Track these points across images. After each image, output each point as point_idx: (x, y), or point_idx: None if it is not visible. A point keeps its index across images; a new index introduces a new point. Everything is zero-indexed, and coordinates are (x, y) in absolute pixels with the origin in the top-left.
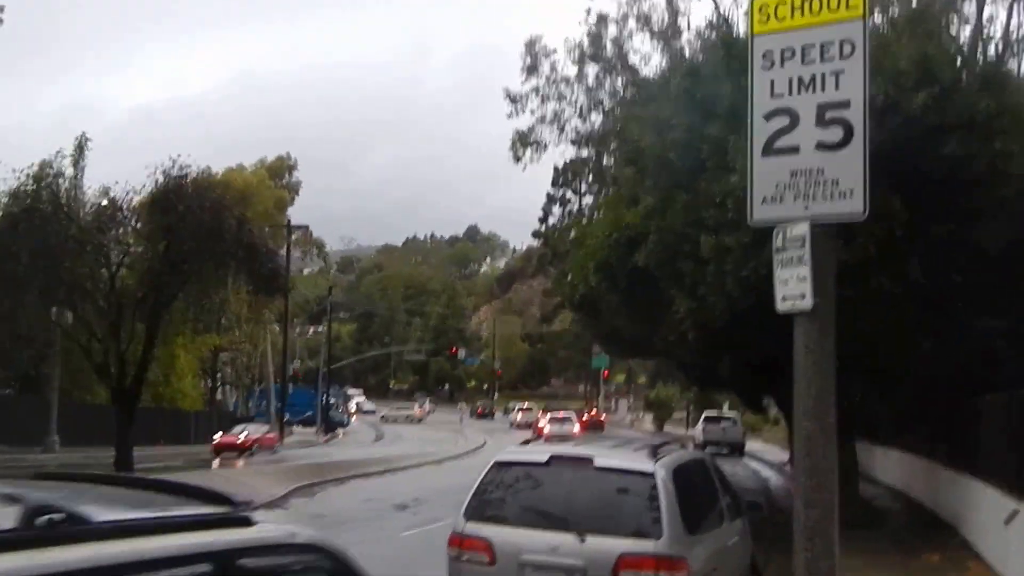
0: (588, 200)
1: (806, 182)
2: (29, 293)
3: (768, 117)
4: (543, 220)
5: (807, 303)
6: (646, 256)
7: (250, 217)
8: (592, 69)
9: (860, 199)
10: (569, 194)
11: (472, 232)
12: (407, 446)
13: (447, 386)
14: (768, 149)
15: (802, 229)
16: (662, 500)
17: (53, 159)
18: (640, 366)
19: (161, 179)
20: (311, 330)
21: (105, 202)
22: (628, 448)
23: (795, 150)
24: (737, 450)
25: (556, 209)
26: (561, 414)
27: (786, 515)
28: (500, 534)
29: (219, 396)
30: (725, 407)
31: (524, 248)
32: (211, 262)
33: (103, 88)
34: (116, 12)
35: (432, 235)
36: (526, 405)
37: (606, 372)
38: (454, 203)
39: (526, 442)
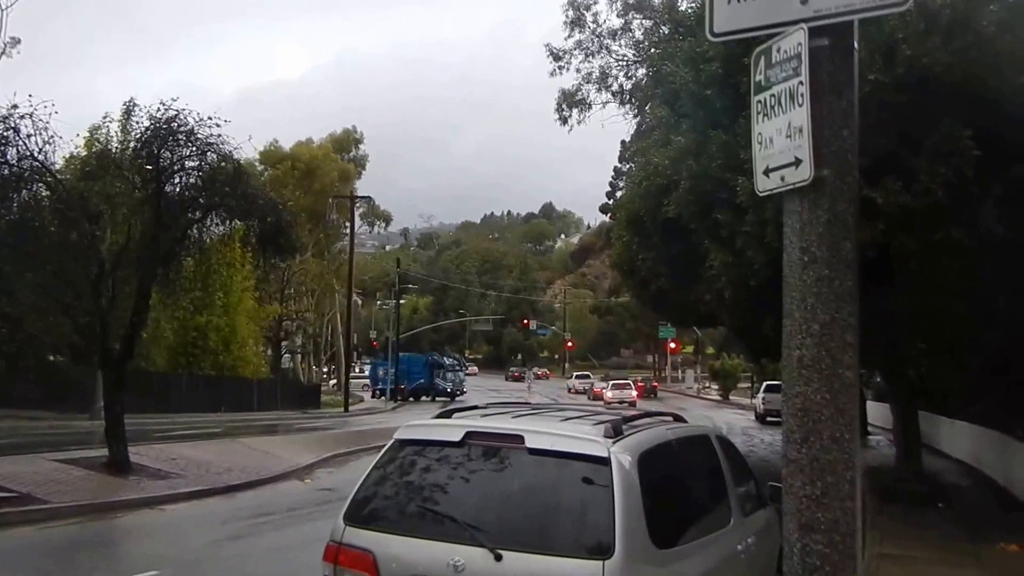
0: None
1: None
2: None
3: None
4: (611, 195)
5: (804, 173)
6: (677, 204)
7: (316, 189)
8: (639, 21)
9: None
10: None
11: (547, 209)
12: None
13: (519, 356)
14: None
15: (796, 40)
16: (617, 500)
17: (102, 124)
18: (708, 335)
19: (147, 124)
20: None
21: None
22: (583, 423)
23: None
24: None
25: (623, 183)
26: (621, 381)
27: None
28: (388, 545)
29: (289, 365)
30: None
31: (597, 224)
32: (204, 214)
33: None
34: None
35: (509, 212)
36: (583, 373)
37: (675, 342)
38: (534, 181)
39: (457, 410)
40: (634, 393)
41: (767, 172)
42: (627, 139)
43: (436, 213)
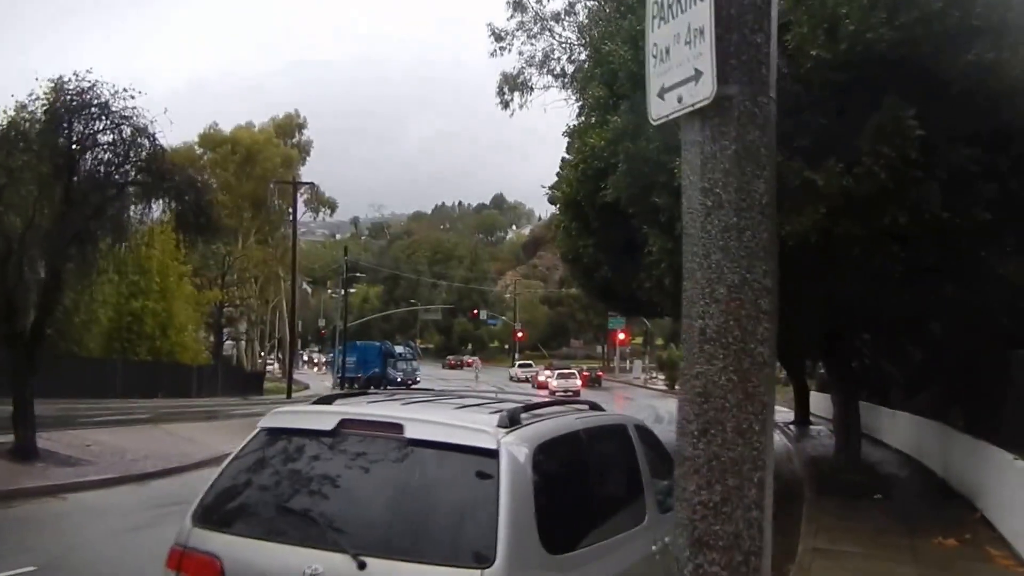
0: None
1: None
2: None
3: None
4: (557, 185)
5: (705, 89)
6: (614, 187)
7: (258, 174)
8: (583, 3)
9: None
10: None
11: (499, 200)
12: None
13: (470, 346)
14: None
15: None
16: (503, 498)
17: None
18: (657, 326)
19: (54, 96)
20: (343, 292)
21: None
22: (481, 411)
23: None
24: None
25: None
26: (566, 371)
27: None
28: (237, 550)
29: (232, 351)
30: None
31: (548, 216)
32: (118, 191)
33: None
34: None
35: (460, 203)
36: (526, 362)
37: (624, 333)
38: (486, 173)
39: (343, 395)
40: (579, 383)
41: (662, 93)
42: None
43: (389, 204)
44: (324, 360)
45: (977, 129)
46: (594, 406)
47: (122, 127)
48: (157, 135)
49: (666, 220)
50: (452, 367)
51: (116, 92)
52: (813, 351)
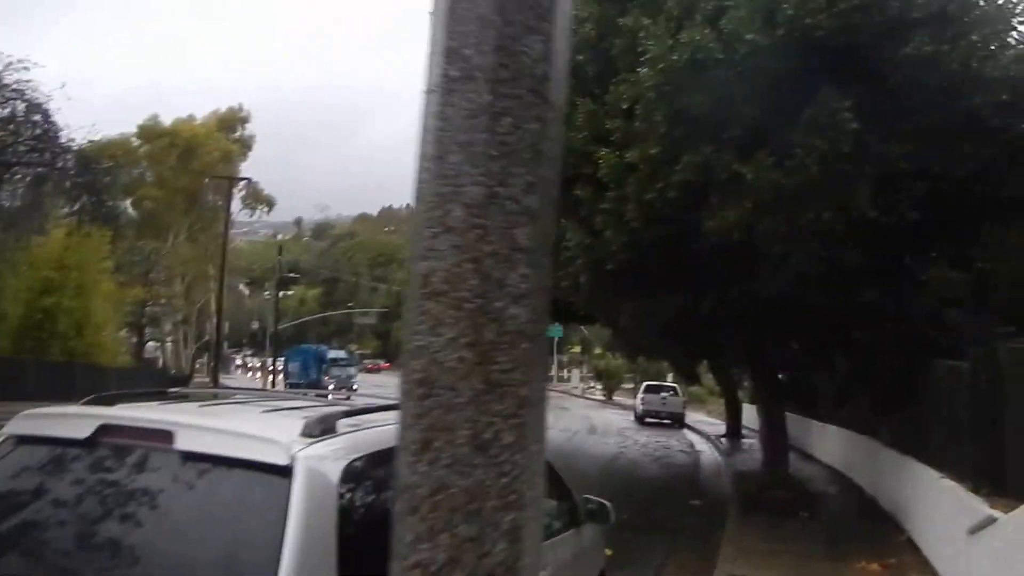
0: None
1: None
2: None
3: None
4: None
5: None
6: None
7: (195, 168)
8: None
9: None
10: None
11: None
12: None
13: None
14: None
15: None
16: (291, 529)
17: None
18: (595, 336)
19: None
20: (280, 294)
21: None
22: (291, 416)
23: None
24: (677, 421)
25: None
26: None
27: (706, 500)
28: None
29: (156, 353)
30: (669, 377)
31: None
32: (5, 171)
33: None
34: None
35: (408, 206)
36: None
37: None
38: None
39: (120, 395)
40: None
41: None
42: None
43: (335, 205)
44: (258, 364)
45: (911, 126)
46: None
47: (13, 102)
48: (52, 113)
49: (585, 214)
50: (371, 370)
51: (10, 64)
52: (739, 359)
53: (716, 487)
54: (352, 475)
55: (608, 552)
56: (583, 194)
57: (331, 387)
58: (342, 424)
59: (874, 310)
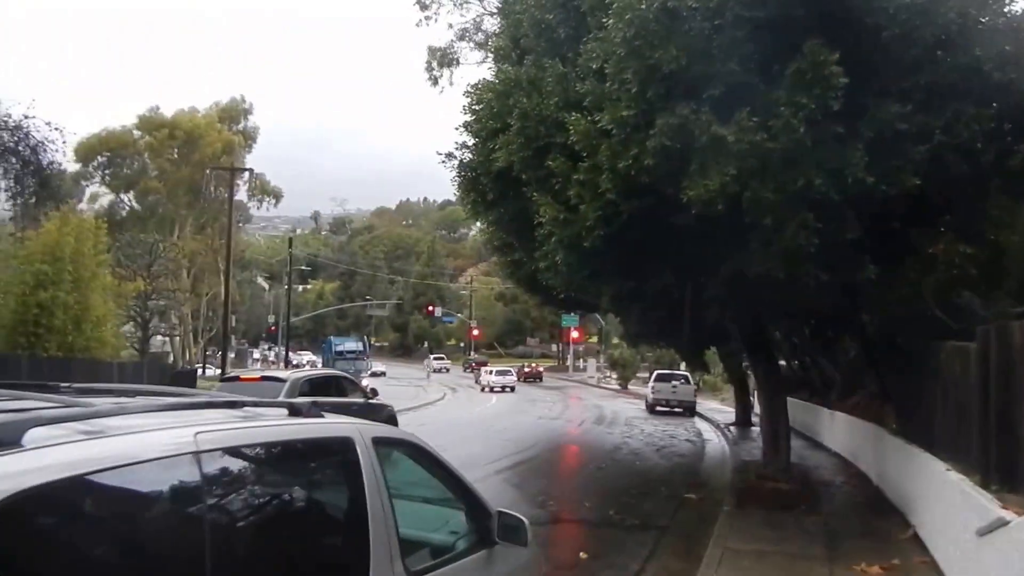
0: None
1: None
2: None
3: None
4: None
5: None
6: (506, 150)
7: (196, 160)
8: None
9: None
10: None
11: None
12: None
13: (426, 344)
14: None
15: None
16: None
17: None
18: (613, 325)
19: None
20: (300, 288)
21: None
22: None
23: None
24: (688, 410)
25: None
26: (503, 367)
27: (701, 493)
28: None
29: (162, 347)
30: (682, 365)
31: None
32: None
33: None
34: None
35: (425, 199)
36: (439, 355)
37: (578, 331)
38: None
39: None
40: (515, 378)
41: None
42: None
43: (354, 199)
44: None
45: (909, 84)
46: (293, 409)
47: None
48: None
49: (559, 186)
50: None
51: None
52: (742, 345)
53: (716, 478)
54: (27, 506)
55: (582, 556)
56: (556, 165)
57: None
58: (37, 434)
59: (877, 289)
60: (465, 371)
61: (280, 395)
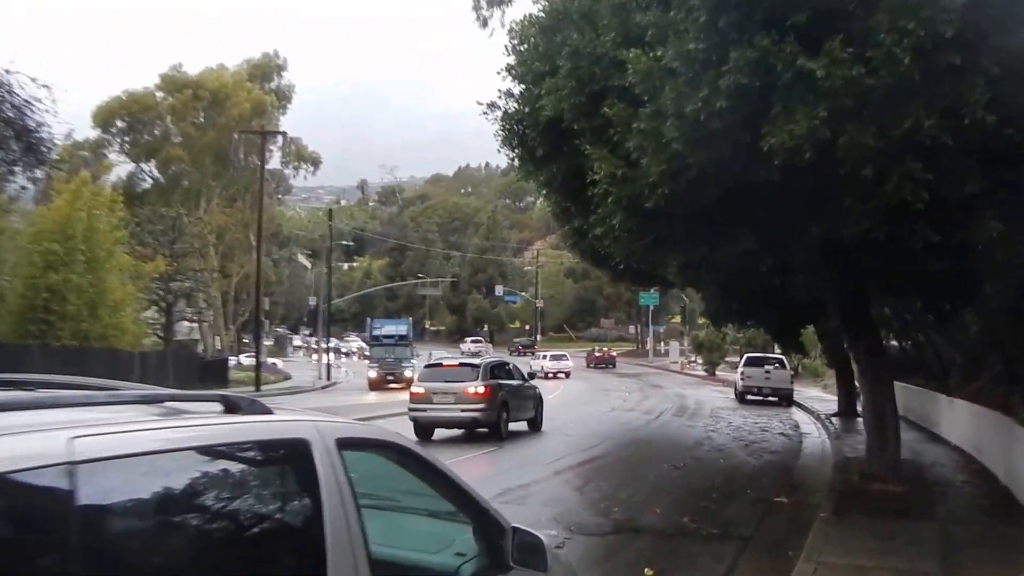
0: None
1: None
2: None
3: None
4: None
5: None
6: (554, 96)
7: (222, 123)
8: None
9: None
10: None
11: None
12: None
13: (486, 327)
14: None
15: None
16: None
17: None
18: (697, 302)
19: None
20: (345, 266)
21: None
22: None
23: None
24: (784, 399)
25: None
26: (558, 352)
27: (795, 496)
28: None
29: (190, 334)
30: (776, 348)
31: None
32: None
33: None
34: None
35: (487, 164)
36: (477, 338)
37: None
38: None
39: None
40: (570, 364)
41: None
42: None
43: (406, 165)
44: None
45: None
46: (229, 405)
47: None
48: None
49: (617, 138)
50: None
51: None
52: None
53: (813, 478)
54: None
55: (647, 572)
56: (612, 112)
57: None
58: None
59: (1001, 253)
60: (512, 355)
61: (477, 379)
